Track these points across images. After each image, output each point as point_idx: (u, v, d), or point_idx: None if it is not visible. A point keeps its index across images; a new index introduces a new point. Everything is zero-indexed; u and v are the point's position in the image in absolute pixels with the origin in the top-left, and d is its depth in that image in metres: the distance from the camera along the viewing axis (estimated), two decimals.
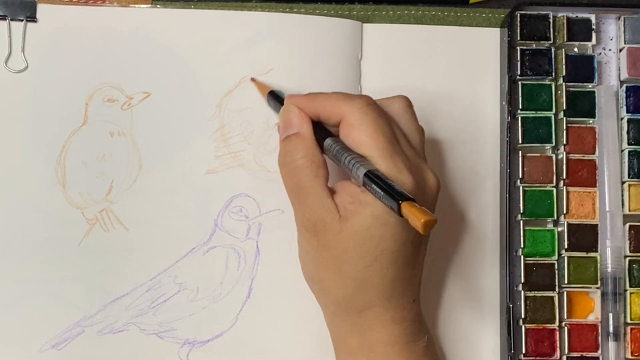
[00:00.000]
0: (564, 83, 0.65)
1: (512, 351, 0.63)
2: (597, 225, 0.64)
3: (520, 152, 0.65)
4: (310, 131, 0.58)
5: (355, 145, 0.56)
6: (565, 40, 0.66)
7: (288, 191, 0.58)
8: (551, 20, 0.66)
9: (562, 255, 0.64)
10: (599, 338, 0.63)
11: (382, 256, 0.56)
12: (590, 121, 0.65)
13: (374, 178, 0.54)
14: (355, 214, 0.55)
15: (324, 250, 0.57)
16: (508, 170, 0.65)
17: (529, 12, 0.66)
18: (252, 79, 0.65)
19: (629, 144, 0.65)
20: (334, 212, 0.56)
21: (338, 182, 0.58)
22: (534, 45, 0.66)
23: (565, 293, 0.64)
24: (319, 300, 0.60)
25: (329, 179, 0.57)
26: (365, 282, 0.56)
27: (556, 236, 0.64)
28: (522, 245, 0.64)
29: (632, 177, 0.65)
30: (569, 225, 0.64)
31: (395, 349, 0.58)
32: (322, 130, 0.58)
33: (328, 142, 0.57)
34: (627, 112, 0.66)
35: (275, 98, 0.62)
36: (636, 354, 0.63)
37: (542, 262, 0.64)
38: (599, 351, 0.63)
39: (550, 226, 0.65)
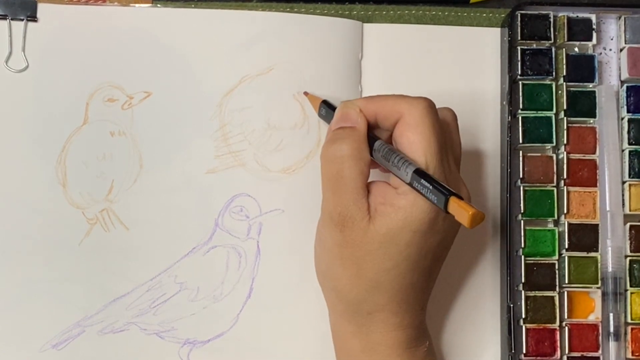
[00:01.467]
0: (564, 83, 0.65)
1: (513, 351, 0.63)
2: (597, 225, 0.64)
3: (520, 151, 0.65)
4: (365, 128, 0.58)
5: (408, 144, 0.56)
6: (565, 40, 0.66)
7: (324, 180, 0.58)
8: (552, 20, 0.66)
9: (563, 255, 0.64)
10: (600, 338, 0.63)
11: (404, 263, 0.56)
12: (591, 121, 0.65)
13: (423, 175, 0.54)
14: (384, 216, 0.55)
15: (346, 247, 0.56)
16: (508, 170, 0.65)
17: (529, 12, 0.66)
18: (305, 93, 0.65)
19: (629, 143, 0.65)
20: (364, 211, 0.56)
21: (373, 182, 0.57)
22: (534, 45, 0.66)
23: (565, 293, 0.64)
24: (327, 297, 0.60)
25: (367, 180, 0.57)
26: (381, 285, 0.56)
27: (557, 236, 0.64)
28: (522, 245, 0.64)
29: (632, 177, 0.65)
30: (569, 225, 0.64)
31: (397, 353, 0.58)
32: (374, 135, 0.58)
33: (379, 142, 0.57)
34: (628, 112, 0.66)
35: (329, 106, 0.62)
36: (637, 354, 0.63)
37: (542, 262, 0.64)
38: (600, 351, 0.63)
39: (550, 226, 0.65)
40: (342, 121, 0.58)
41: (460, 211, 0.51)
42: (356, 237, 0.56)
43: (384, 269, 0.56)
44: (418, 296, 0.58)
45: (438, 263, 0.59)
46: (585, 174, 0.65)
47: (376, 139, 0.58)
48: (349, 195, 0.56)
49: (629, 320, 0.64)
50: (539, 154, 0.65)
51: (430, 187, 0.53)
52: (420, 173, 0.54)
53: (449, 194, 0.52)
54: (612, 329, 0.63)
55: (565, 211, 0.64)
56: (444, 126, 0.58)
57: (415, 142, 0.56)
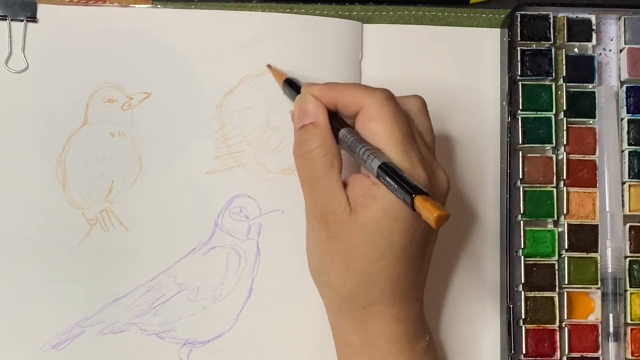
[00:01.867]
0: (564, 83, 0.65)
1: (513, 351, 0.63)
2: (597, 225, 0.64)
3: (520, 152, 0.65)
4: (326, 121, 0.58)
5: (372, 136, 0.56)
6: (565, 40, 0.66)
7: (301, 180, 0.58)
8: (551, 21, 0.66)
9: (563, 256, 0.64)
10: (599, 338, 0.63)
11: (390, 251, 0.56)
12: (591, 121, 0.65)
13: (388, 170, 0.53)
14: (365, 207, 0.55)
15: (332, 242, 0.57)
16: (508, 171, 0.65)
17: (529, 13, 0.66)
18: (269, 66, 0.65)
19: (629, 144, 0.65)
20: (344, 204, 0.56)
21: (350, 175, 0.58)
22: (534, 46, 0.66)
23: (565, 293, 0.64)
24: (322, 294, 0.60)
25: (342, 170, 0.58)
26: (371, 277, 0.56)
27: (556, 236, 0.64)
28: (522, 246, 0.64)
29: (632, 178, 0.65)
30: (569, 225, 0.64)
31: (397, 347, 0.58)
32: (337, 120, 0.58)
33: (343, 132, 0.57)
34: (628, 112, 0.66)
35: (292, 86, 0.62)
36: (636, 355, 0.63)
37: (542, 262, 0.64)
38: (599, 351, 0.63)
39: (550, 226, 0.65)
40: (302, 119, 0.59)
41: (425, 211, 0.51)
42: (340, 230, 0.56)
43: (371, 259, 0.56)
44: (411, 286, 0.58)
45: (427, 251, 0.59)
46: (585, 175, 0.65)
47: (342, 126, 0.58)
48: (325, 192, 0.57)
49: (628, 320, 0.64)
50: (539, 155, 0.65)
51: (396, 186, 0.53)
52: (385, 169, 0.54)
53: (414, 193, 0.52)
54: (611, 330, 0.63)
55: (565, 212, 0.64)
56: (410, 114, 0.58)
57: (379, 133, 0.56)
